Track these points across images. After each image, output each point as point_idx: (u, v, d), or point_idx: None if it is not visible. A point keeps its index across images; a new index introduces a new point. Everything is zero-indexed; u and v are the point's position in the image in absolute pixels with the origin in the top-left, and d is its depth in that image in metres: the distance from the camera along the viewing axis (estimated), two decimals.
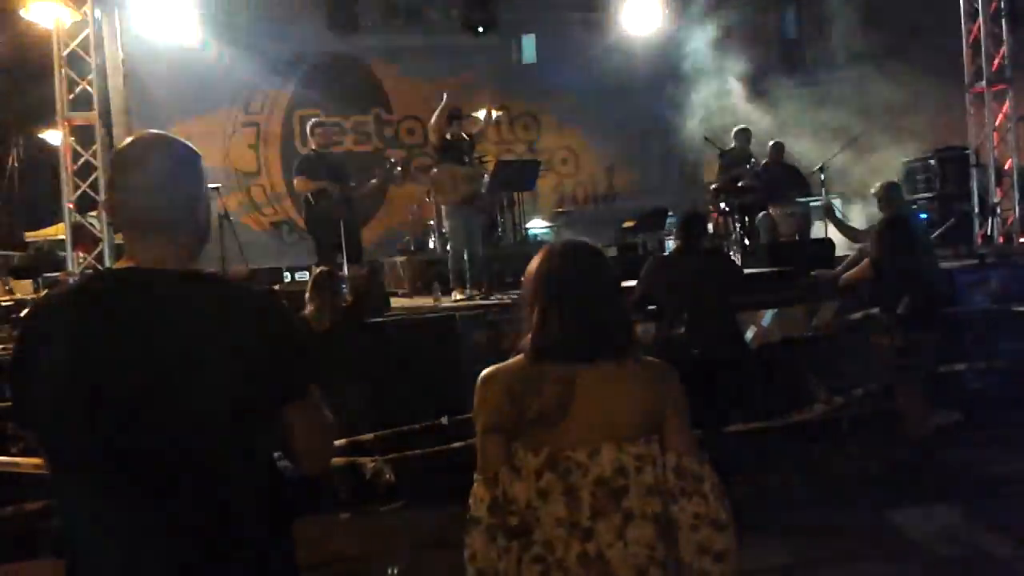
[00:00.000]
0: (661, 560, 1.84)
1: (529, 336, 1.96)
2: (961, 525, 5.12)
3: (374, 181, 8.58)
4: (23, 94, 13.73)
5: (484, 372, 1.96)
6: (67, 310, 1.65)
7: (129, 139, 1.76)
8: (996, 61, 10.68)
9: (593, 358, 1.89)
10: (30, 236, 11.36)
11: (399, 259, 10.34)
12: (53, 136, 16.49)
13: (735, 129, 10.16)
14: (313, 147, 8.41)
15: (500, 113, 11.10)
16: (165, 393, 1.57)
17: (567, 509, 1.81)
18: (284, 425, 1.68)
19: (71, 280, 4.49)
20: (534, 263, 2.06)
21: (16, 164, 18.38)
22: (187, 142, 1.77)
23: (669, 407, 1.94)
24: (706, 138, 10.25)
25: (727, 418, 5.74)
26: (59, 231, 11.39)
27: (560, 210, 12.01)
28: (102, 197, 7.66)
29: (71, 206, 7.75)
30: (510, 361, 1.96)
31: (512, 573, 1.82)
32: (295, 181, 8.52)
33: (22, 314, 1.53)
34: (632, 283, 5.56)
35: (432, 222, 10.50)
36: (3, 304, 8.18)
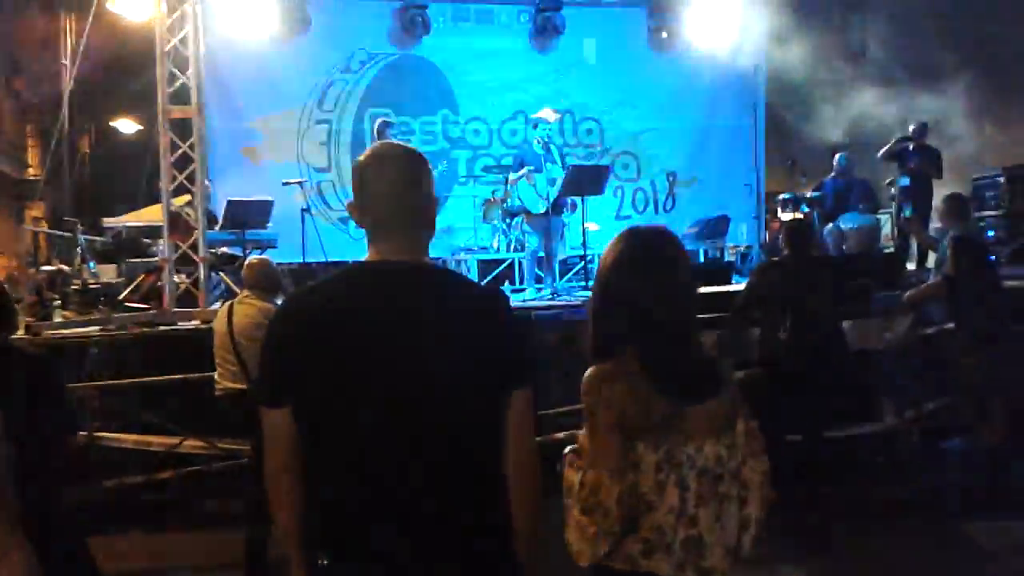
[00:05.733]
0: (745, 532, 2.11)
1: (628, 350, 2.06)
2: None
3: None
4: (94, 83, 14.05)
5: (598, 371, 2.04)
6: (340, 298, 1.86)
7: (370, 150, 2.02)
8: None
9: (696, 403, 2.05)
10: (108, 222, 11.64)
11: (462, 257, 10.49)
12: (125, 125, 16.99)
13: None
14: None
15: (558, 117, 11.23)
16: (428, 371, 1.77)
17: (679, 499, 2.00)
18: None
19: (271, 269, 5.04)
20: (613, 256, 2.14)
21: (89, 152, 18.82)
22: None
23: (739, 401, 2.16)
24: (792, 162, 10.17)
25: (827, 424, 5.87)
26: (139, 217, 11.71)
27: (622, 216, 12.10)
28: (196, 188, 7.91)
29: (172, 200, 7.96)
30: (622, 366, 2.04)
31: (612, 549, 2.00)
32: None
33: (286, 300, 1.73)
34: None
35: (496, 222, 10.62)
36: (91, 287, 8.48)
